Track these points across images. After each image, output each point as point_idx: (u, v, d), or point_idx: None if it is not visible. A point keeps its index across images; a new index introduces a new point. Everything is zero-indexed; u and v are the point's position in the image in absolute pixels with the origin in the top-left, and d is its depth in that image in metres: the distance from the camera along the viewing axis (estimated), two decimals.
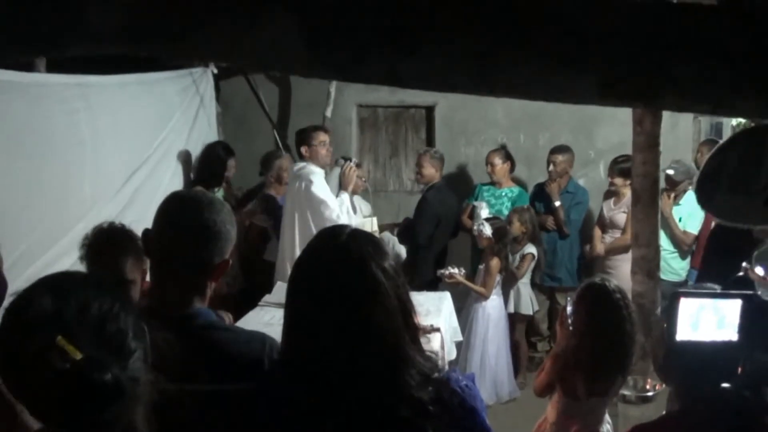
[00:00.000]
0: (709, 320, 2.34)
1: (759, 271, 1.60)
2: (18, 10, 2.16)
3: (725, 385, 2.38)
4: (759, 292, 1.84)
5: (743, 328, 2.27)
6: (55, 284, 2.00)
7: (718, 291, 2.36)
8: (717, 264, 4.57)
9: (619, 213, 9.14)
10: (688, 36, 1.91)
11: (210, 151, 8.87)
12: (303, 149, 8.04)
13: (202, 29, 2.12)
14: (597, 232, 9.43)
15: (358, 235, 2.67)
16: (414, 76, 2.17)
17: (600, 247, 9.25)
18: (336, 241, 2.63)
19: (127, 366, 1.90)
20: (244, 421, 2.69)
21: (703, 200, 2.23)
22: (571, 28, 1.96)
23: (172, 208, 3.20)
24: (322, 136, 8.12)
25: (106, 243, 4.38)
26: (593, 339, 4.62)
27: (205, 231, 3.07)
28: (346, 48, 2.05)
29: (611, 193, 9.39)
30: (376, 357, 2.49)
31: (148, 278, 3.94)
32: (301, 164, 8.01)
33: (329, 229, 2.84)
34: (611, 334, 4.58)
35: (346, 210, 7.83)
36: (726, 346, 2.36)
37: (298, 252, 2.67)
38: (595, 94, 2.02)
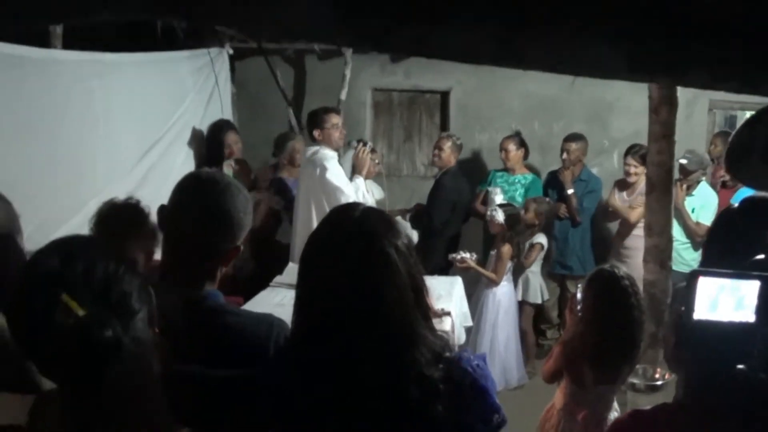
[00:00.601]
0: (727, 301, 2.32)
1: None
2: None
3: (740, 366, 2.37)
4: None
5: (760, 310, 2.25)
6: (63, 246, 2.04)
7: (737, 272, 2.34)
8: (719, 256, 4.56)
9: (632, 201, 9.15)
10: (715, 14, 1.90)
11: (210, 130, 8.86)
12: (316, 132, 7.94)
13: None
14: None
15: (371, 212, 2.68)
16: (441, 46, 2.17)
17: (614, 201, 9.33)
18: (349, 218, 2.64)
19: (129, 325, 1.92)
20: (246, 406, 2.71)
21: (733, 169, 2.23)
22: (601, 2, 1.95)
23: (188, 188, 3.20)
24: (335, 119, 8.02)
25: (115, 218, 4.38)
26: (601, 326, 4.65)
27: (219, 216, 3.08)
28: (376, 16, 2.05)
29: (623, 183, 9.37)
30: (387, 334, 2.49)
31: (158, 257, 3.93)
32: (314, 148, 7.93)
33: (343, 206, 2.85)
34: (619, 321, 4.61)
35: (362, 195, 7.80)
36: (743, 327, 2.34)
37: None
38: (624, 69, 2.01)
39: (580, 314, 4.82)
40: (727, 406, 2.59)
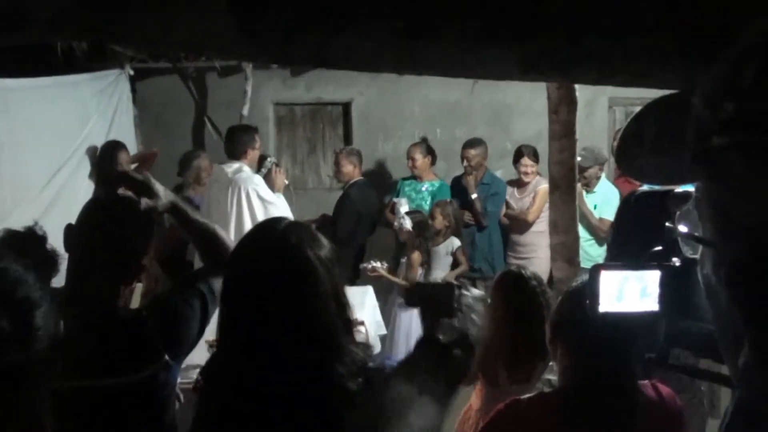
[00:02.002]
0: (632, 291, 2.39)
1: (682, 228, 1.64)
2: None
3: (650, 354, 2.44)
4: (684, 251, 1.89)
5: (662, 297, 2.32)
6: None
7: (638, 263, 2.42)
8: (620, 248, 4.66)
9: (524, 199, 9.33)
10: (602, 8, 1.96)
11: (101, 152, 8.75)
12: (248, 150, 7.91)
13: (132, 14, 2.12)
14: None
15: (295, 225, 2.74)
16: (341, 57, 2.21)
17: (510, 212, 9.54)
18: (274, 230, 2.68)
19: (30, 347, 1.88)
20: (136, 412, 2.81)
21: (625, 165, 2.28)
22: (489, 6, 2.00)
23: (88, 214, 3.27)
24: (258, 139, 8.13)
25: (8, 247, 4.34)
26: (511, 325, 4.67)
27: (118, 242, 3.13)
28: (275, 29, 2.07)
29: (515, 182, 9.56)
30: (309, 344, 2.52)
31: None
32: (235, 165, 7.83)
33: (267, 220, 2.94)
34: (529, 319, 4.61)
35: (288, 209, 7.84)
36: (648, 315, 2.42)
37: None
38: (516, 70, 2.06)
39: (489, 316, 4.90)
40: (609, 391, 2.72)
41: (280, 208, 7.59)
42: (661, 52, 1.95)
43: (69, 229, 3.20)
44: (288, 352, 2.52)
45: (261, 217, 7.58)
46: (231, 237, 7.56)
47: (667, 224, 2.02)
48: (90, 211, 3.29)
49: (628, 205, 3.06)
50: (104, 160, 8.56)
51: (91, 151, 8.54)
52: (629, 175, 2.28)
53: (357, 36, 2.05)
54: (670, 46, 1.94)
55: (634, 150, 2.20)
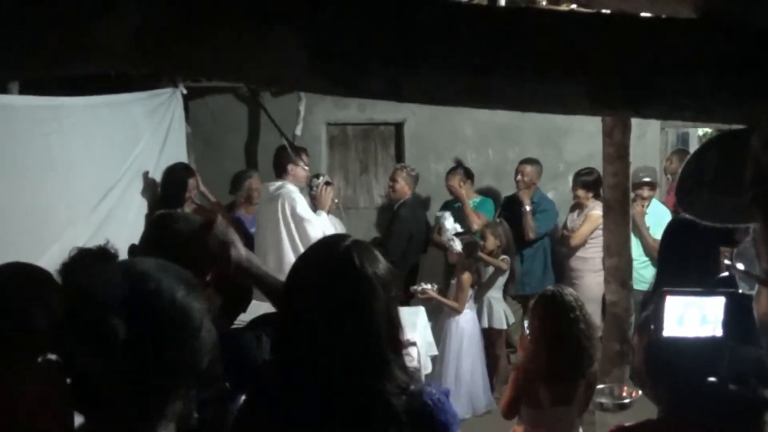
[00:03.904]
0: (693, 316, 2.39)
1: (740, 266, 1.65)
2: (22, 26, 2.17)
3: (711, 379, 2.43)
4: (740, 288, 1.89)
5: (726, 324, 2.32)
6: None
7: (703, 289, 2.42)
8: (675, 273, 4.66)
9: (577, 223, 9.31)
10: (669, 48, 1.98)
11: (170, 173, 8.81)
12: (290, 167, 8.03)
13: (208, 47, 2.15)
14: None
15: (357, 242, 2.74)
16: (414, 91, 2.22)
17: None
18: (337, 248, 2.69)
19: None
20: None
21: (684, 203, 2.27)
22: (562, 42, 2.02)
23: (159, 225, 3.33)
24: (306, 158, 8.24)
25: (83, 264, 4.38)
26: (547, 345, 4.84)
27: (189, 251, 3.13)
28: (349, 63, 2.09)
29: (576, 206, 9.49)
30: (359, 362, 2.54)
31: None
32: (277, 183, 7.97)
33: (332, 236, 2.95)
34: (564, 337, 4.79)
35: (331, 227, 7.87)
36: (709, 341, 2.41)
37: (286, 269, 2.75)
38: (586, 105, 2.07)
39: (528, 337, 4.95)
40: (703, 418, 2.65)
41: (317, 226, 7.63)
42: (729, 90, 1.96)
43: (133, 250, 3.23)
44: (337, 368, 2.55)
45: (295, 234, 7.64)
46: (285, 252, 7.70)
47: (725, 261, 2.03)
48: (161, 222, 3.34)
49: (676, 231, 3.06)
50: (173, 185, 8.63)
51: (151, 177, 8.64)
52: (689, 212, 2.27)
53: (431, 70, 2.07)
54: (733, 86, 1.95)
55: (694, 187, 2.19)
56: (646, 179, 8.85)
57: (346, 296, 2.58)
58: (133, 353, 1.83)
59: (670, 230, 5.59)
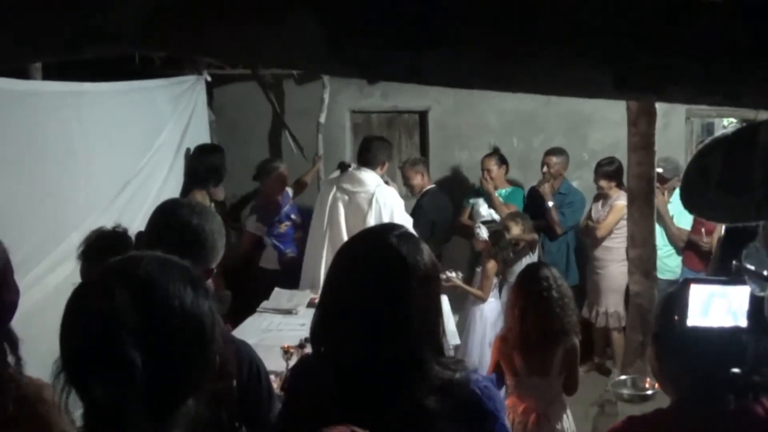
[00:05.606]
0: (719, 306, 2.36)
1: (749, 266, 1.62)
2: (33, 11, 2.15)
3: (735, 369, 2.40)
4: (750, 288, 1.86)
5: (751, 315, 2.28)
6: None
7: (727, 278, 2.38)
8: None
9: (602, 213, 9.27)
10: (695, 31, 1.93)
11: (200, 152, 8.82)
12: (385, 162, 8.09)
13: (223, 28, 2.12)
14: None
15: (406, 234, 2.71)
16: (434, 73, 2.18)
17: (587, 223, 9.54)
18: (385, 237, 2.67)
19: None
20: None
21: (690, 202, 2.23)
22: (587, 25, 1.97)
23: (165, 212, 3.39)
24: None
25: (100, 247, 4.40)
26: (522, 316, 5.20)
27: (193, 237, 3.22)
28: (367, 45, 2.05)
29: (600, 196, 9.43)
30: (398, 353, 2.53)
31: None
32: (376, 177, 7.95)
33: (379, 226, 2.91)
34: (533, 308, 5.19)
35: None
36: (734, 331, 2.37)
37: None
38: (611, 88, 2.03)
39: (510, 310, 5.40)
40: (723, 408, 2.62)
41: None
42: (757, 75, 1.91)
43: (140, 236, 3.25)
44: (380, 353, 2.53)
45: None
46: None
47: (734, 262, 1.99)
48: (166, 208, 3.37)
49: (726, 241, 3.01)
50: (203, 161, 8.74)
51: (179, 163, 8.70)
52: (694, 212, 2.24)
53: (451, 53, 2.03)
54: (759, 69, 1.91)
55: (700, 187, 2.15)
56: (658, 170, 8.77)
57: (391, 286, 2.57)
58: (151, 377, 1.82)
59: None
